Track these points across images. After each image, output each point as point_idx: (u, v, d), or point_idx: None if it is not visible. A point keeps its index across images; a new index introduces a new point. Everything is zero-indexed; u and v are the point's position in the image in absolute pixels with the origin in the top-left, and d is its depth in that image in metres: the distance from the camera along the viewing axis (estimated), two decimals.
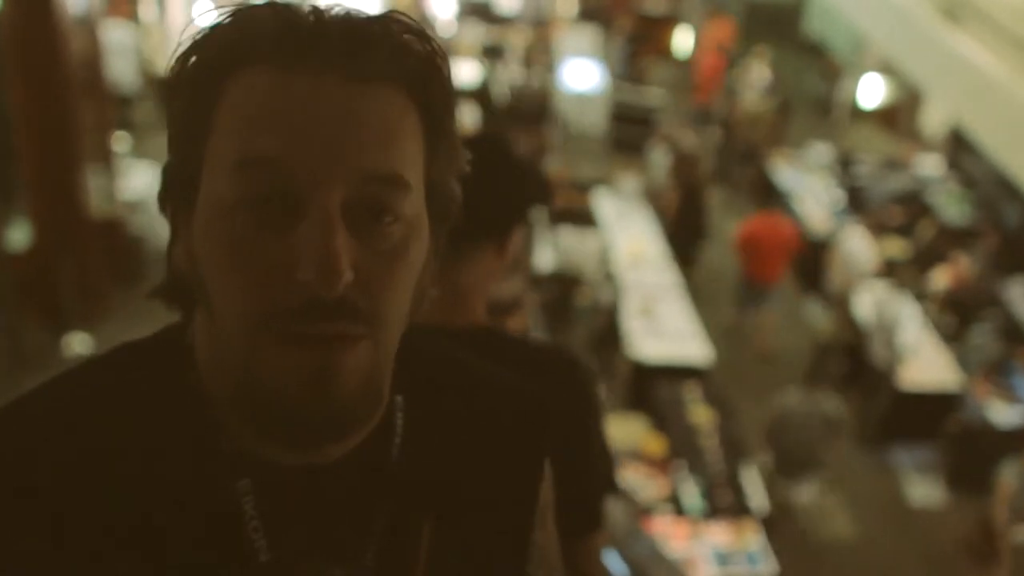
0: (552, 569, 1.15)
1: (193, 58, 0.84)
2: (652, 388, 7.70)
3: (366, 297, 0.81)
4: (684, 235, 9.92)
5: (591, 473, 1.87)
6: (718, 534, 6.39)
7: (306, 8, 0.84)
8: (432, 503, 0.97)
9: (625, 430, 7.39)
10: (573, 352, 2.01)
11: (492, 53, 13.60)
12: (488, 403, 1.06)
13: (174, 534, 0.87)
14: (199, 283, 0.85)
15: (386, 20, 0.84)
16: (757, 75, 12.66)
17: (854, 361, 8.52)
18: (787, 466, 7.38)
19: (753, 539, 6.38)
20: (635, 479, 6.70)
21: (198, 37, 0.85)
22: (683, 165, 10.00)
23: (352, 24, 0.83)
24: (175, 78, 0.85)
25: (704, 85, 13.71)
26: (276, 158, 0.79)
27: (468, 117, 10.80)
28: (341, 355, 0.81)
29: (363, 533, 0.93)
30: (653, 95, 11.92)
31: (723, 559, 6.26)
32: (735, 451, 7.09)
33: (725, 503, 6.62)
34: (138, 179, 9.45)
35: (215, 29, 0.84)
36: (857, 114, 14.02)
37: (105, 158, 8.48)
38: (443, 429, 1.01)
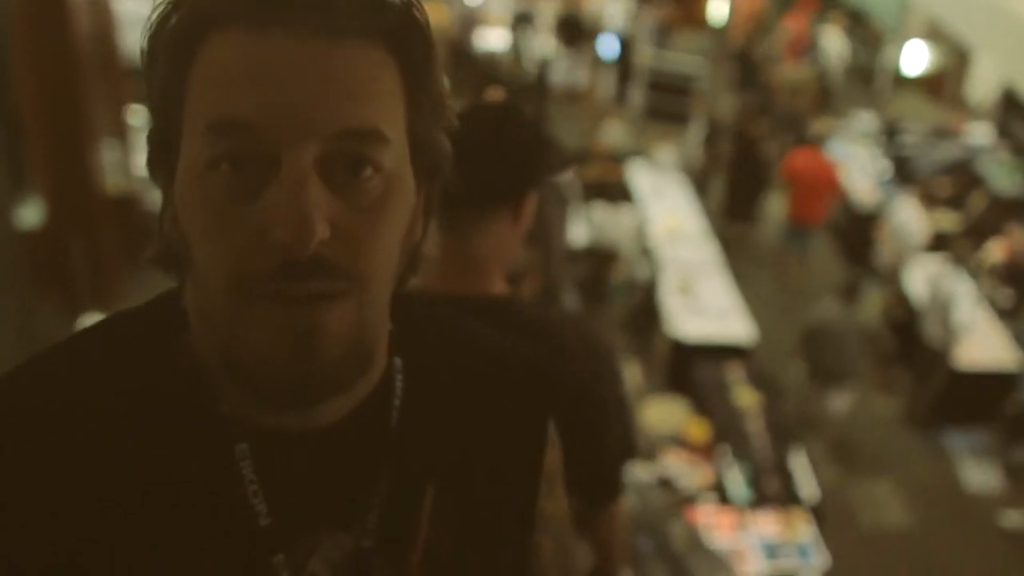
0: (562, 539, 1.13)
1: (167, 23, 0.83)
2: (693, 369, 7.33)
3: (346, 253, 0.80)
4: (745, 189, 9.62)
5: (608, 441, 1.85)
6: (766, 524, 6.03)
7: None
8: (434, 467, 0.96)
9: (665, 414, 7.02)
10: (588, 322, 2.00)
11: (522, 20, 13.16)
12: (491, 368, 1.06)
13: (173, 499, 0.86)
14: (184, 248, 0.84)
15: None
16: (834, 41, 12.17)
17: (905, 339, 8.10)
18: (821, 376, 7.35)
19: (803, 529, 6.02)
20: (677, 466, 6.34)
21: (169, 3, 0.83)
22: (741, 118, 9.99)
23: None
24: (151, 43, 0.84)
25: (741, 24, 13.32)
26: (246, 118, 0.78)
27: (498, 95, 10.39)
28: (322, 314, 0.80)
29: (364, 497, 0.92)
30: (690, 63, 11.47)
31: (772, 551, 5.89)
32: (782, 435, 6.70)
33: (773, 491, 6.26)
34: None
35: None
36: (900, 82, 13.52)
37: (120, 132, 8.28)
38: (444, 393, 1.00)
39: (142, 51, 0.86)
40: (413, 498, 0.95)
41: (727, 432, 6.64)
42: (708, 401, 6.99)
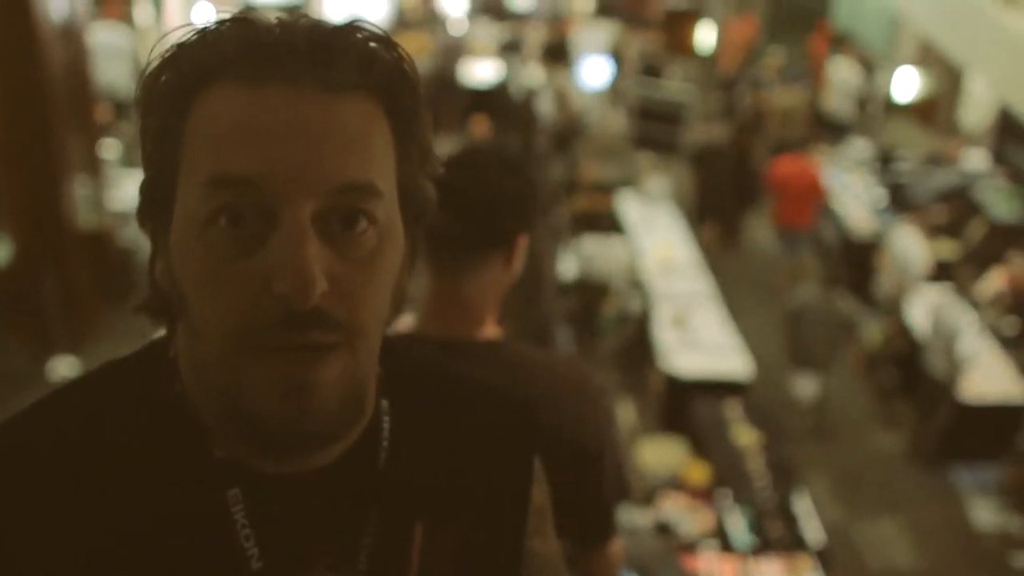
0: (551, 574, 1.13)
1: (162, 76, 0.85)
2: (689, 407, 7.05)
3: (342, 306, 0.82)
4: (732, 200, 9.63)
5: (599, 482, 1.87)
6: (770, 571, 5.72)
7: (272, 21, 0.84)
8: (422, 507, 0.97)
9: (662, 455, 6.74)
10: (582, 362, 2.03)
11: (509, 49, 12.97)
12: (475, 407, 1.07)
13: (167, 545, 0.88)
14: (179, 298, 0.86)
15: (351, 29, 0.85)
16: (847, 73, 11.95)
17: (907, 372, 7.83)
18: (799, 358, 7.64)
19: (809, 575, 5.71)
20: (675, 511, 6.04)
21: (167, 55, 0.86)
22: (738, 129, 10.21)
23: (318, 34, 0.83)
24: (146, 96, 0.86)
25: (731, 52, 13.15)
26: (246, 174, 0.80)
27: (483, 123, 10.14)
28: (319, 366, 0.82)
29: (354, 538, 0.93)
30: (680, 91, 11.25)
31: None
32: (785, 476, 6.42)
33: (776, 535, 5.96)
34: (130, 188, 8.92)
35: (183, 47, 0.85)
36: (892, 109, 13.32)
37: (92, 167, 8.07)
38: (430, 433, 1.02)
39: (136, 103, 0.88)
40: (403, 537, 0.96)
41: (727, 474, 6.36)
42: (707, 441, 6.71)
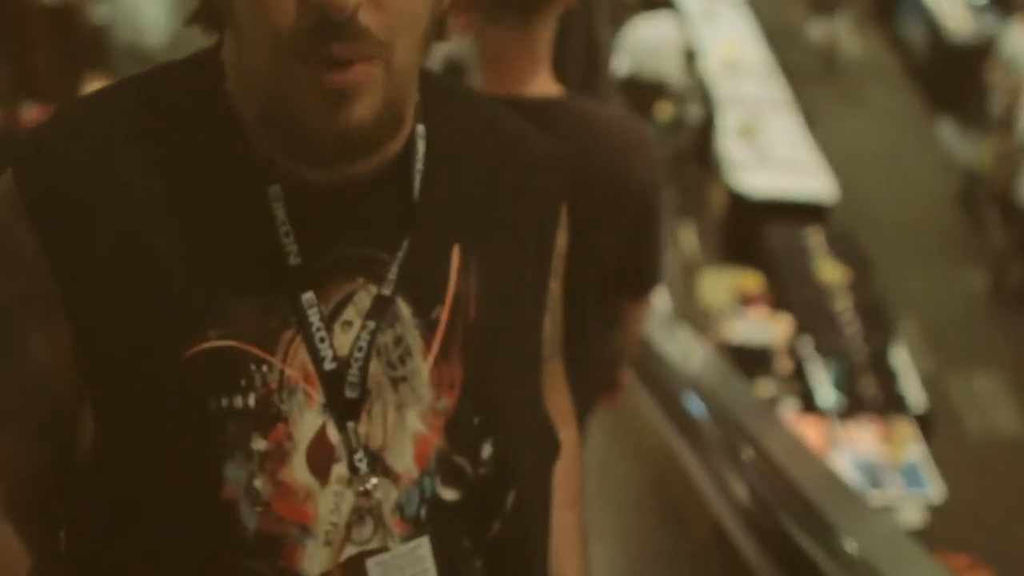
0: (558, 320, 1.16)
1: None
2: (761, 233, 5.93)
3: (379, 21, 0.83)
4: None
5: (661, 235, 1.97)
6: (862, 438, 4.77)
7: None
8: (457, 230, 0.99)
9: (727, 289, 5.65)
10: (640, 121, 2.07)
11: None
12: (512, 147, 1.08)
13: (209, 235, 0.91)
14: (227, 5, 0.88)
15: None
16: None
17: (1010, 203, 6.68)
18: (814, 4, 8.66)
19: (910, 446, 4.71)
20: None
21: None
22: None
23: None
24: None
25: None
26: None
27: None
28: (355, 77, 0.83)
29: (392, 253, 0.95)
30: None
31: (871, 474, 4.61)
32: (877, 322, 5.37)
33: (870, 395, 4.97)
34: None
35: None
36: None
37: None
38: (465, 164, 1.03)
39: None
40: (440, 257, 0.98)
41: (808, 317, 5.31)
42: (782, 275, 5.66)
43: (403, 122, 0.94)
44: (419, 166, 0.97)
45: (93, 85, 4.66)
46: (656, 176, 1.93)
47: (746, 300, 5.56)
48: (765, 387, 4.93)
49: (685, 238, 5.95)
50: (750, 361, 5.06)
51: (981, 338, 6.20)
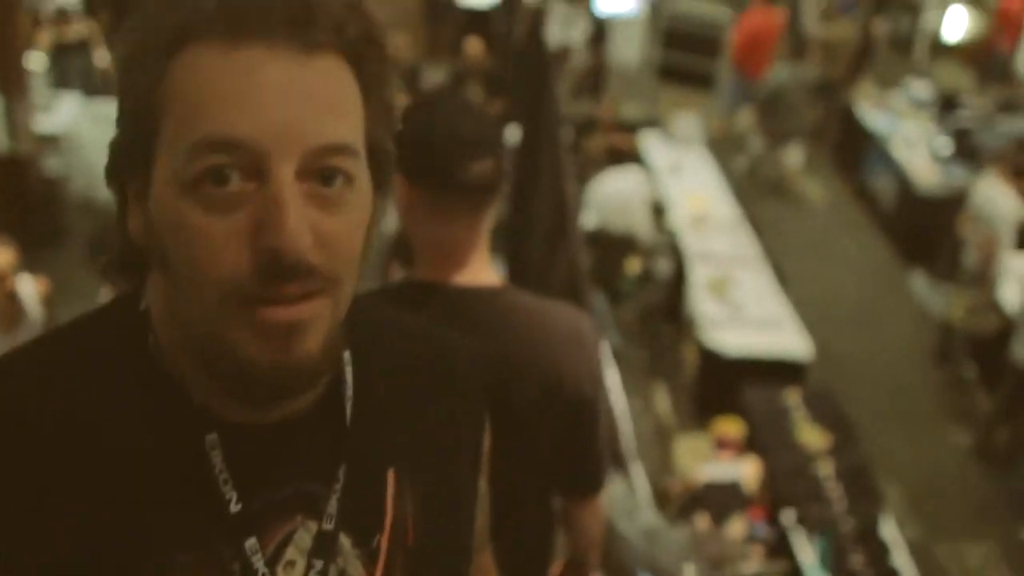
0: (486, 513, 1.20)
1: (140, 35, 0.87)
2: (735, 392, 5.68)
3: (324, 257, 0.86)
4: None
5: (598, 433, 1.93)
6: None
7: None
8: (390, 453, 1.02)
9: (704, 455, 5.38)
10: (578, 310, 2.00)
11: None
12: (431, 357, 1.12)
13: (146, 490, 0.90)
14: (160, 254, 0.88)
15: None
16: None
17: (990, 357, 6.51)
18: (779, 134, 8.81)
19: None
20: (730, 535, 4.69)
21: (144, 14, 0.87)
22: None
23: None
24: (123, 55, 0.89)
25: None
26: (233, 136, 0.83)
27: (478, 46, 8.64)
28: (304, 313, 0.85)
29: (329, 486, 0.96)
30: (715, 12, 9.76)
31: None
32: (863, 489, 5.08)
33: (859, 570, 4.63)
34: (63, 110, 7.52)
35: (159, 6, 0.87)
36: (939, 50, 11.91)
37: (13, 83, 6.72)
38: (391, 383, 1.06)
39: (114, 61, 0.90)
40: (374, 483, 1.00)
41: (790, 485, 5.02)
42: (760, 438, 5.38)
43: (340, 355, 0.98)
44: (349, 392, 1.00)
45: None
46: (593, 370, 1.91)
47: (721, 444, 5.34)
48: (749, 565, 4.61)
49: (658, 399, 5.69)
50: (720, 499, 4.82)
51: (969, 503, 5.93)
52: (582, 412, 1.86)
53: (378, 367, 1.04)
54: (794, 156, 8.85)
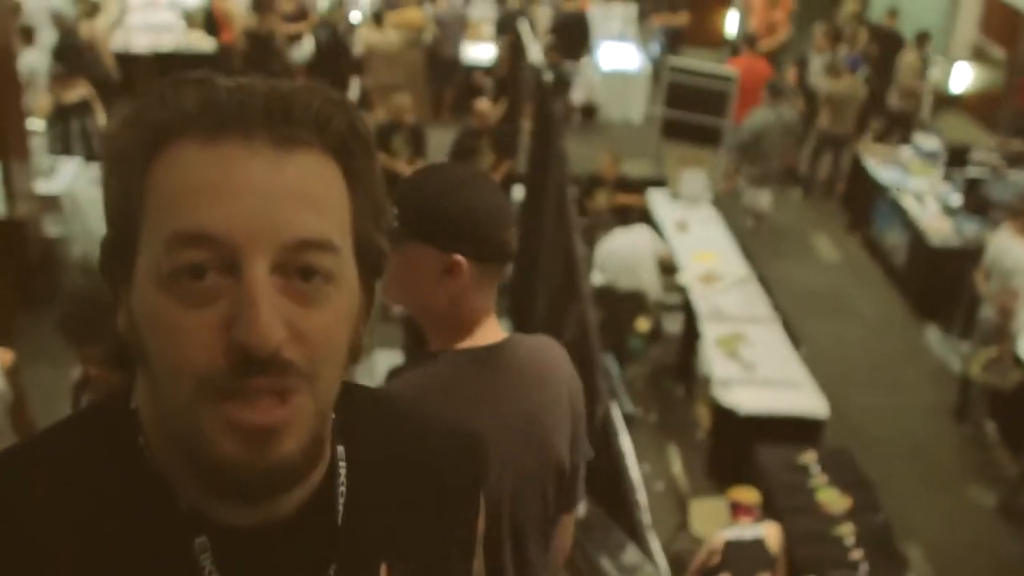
0: None
1: (123, 136, 0.88)
2: (750, 452, 5.53)
3: (300, 352, 0.84)
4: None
5: (580, 459, 1.97)
6: None
7: (230, 82, 0.87)
8: (384, 546, 1.01)
9: (721, 517, 5.20)
10: (555, 344, 2.01)
11: (511, 21, 11.47)
12: (425, 445, 1.11)
13: None
14: (140, 349, 0.88)
15: (306, 89, 0.89)
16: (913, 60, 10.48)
17: (1009, 413, 6.35)
18: (760, 174, 8.97)
19: None
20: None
21: (128, 114, 0.88)
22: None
23: (274, 94, 0.87)
24: (108, 156, 0.90)
25: (763, 35, 11.64)
26: (206, 232, 0.82)
27: (486, 107, 8.61)
28: (279, 409, 0.84)
29: None
30: (719, 70, 9.73)
31: None
32: (885, 554, 4.90)
33: None
34: (64, 172, 7.54)
35: (143, 107, 0.88)
36: (943, 101, 11.86)
37: (14, 147, 6.70)
38: (385, 474, 1.04)
39: (100, 163, 0.93)
40: None
41: (811, 551, 4.85)
42: (778, 500, 5.20)
43: (323, 452, 0.94)
44: (342, 489, 0.98)
45: None
46: (577, 398, 1.96)
47: (737, 508, 5.15)
48: None
49: (671, 461, 5.53)
50: (743, 559, 4.61)
51: (994, 565, 5.74)
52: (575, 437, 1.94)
53: (371, 459, 1.03)
54: (764, 200, 9.10)
